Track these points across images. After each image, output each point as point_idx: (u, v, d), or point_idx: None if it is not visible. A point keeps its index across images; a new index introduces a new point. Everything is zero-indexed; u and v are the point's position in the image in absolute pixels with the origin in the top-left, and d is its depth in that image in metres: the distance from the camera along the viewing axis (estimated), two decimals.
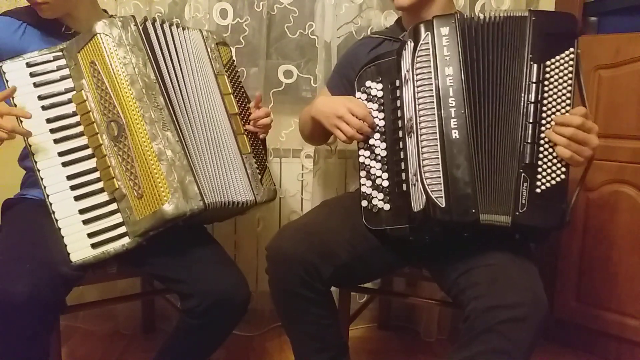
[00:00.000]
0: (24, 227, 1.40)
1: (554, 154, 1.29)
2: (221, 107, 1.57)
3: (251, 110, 1.64)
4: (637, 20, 1.95)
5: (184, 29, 1.53)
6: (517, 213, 1.28)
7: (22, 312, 1.18)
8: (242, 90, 1.66)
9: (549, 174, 1.29)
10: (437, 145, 1.29)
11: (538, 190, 1.29)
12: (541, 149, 1.29)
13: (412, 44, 1.35)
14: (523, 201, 1.28)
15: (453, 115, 1.29)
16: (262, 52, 2.10)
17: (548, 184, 1.29)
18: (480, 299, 1.22)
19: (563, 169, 1.29)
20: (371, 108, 1.47)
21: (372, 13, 2.12)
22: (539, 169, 1.29)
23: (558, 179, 1.29)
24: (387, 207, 1.42)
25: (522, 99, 1.31)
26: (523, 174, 1.29)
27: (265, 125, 1.65)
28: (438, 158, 1.28)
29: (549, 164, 1.29)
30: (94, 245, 1.32)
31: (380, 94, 1.46)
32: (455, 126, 1.28)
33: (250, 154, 1.59)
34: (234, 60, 1.70)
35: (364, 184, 1.46)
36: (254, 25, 2.09)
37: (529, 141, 1.29)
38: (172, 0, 2.10)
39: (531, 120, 1.29)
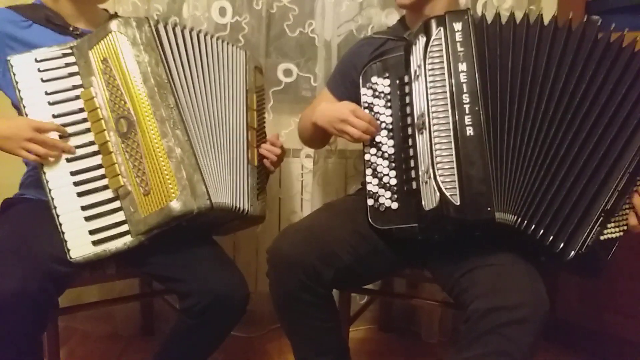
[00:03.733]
0: (19, 226, 1.39)
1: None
2: (243, 118, 1.59)
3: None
4: (638, 20, 1.95)
5: (225, 42, 1.59)
6: (580, 251, 1.27)
7: (10, 309, 1.18)
8: (264, 118, 1.72)
9: (616, 226, 1.30)
10: (450, 142, 1.26)
11: (602, 237, 1.29)
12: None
13: (424, 39, 1.33)
14: (589, 242, 1.27)
15: (467, 111, 1.27)
16: (261, 50, 2.09)
17: (611, 235, 1.29)
18: (482, 299, 1.21)
19: (625, 227, 1.31)
20: (378, 104, 1.45)
21: (372, 11, 2.12)
22: (612, 218, 1.29)
23: (618, 234, 1.30)
24: (395, 205, 1.40)
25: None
26: (602, 219, 1.28)
27: (270, 156, 1.65)
28: (452, 155, 1.26)
29: (620, 217, 1.30)
30: (95, 243, 1.31)
31: (387, 89, 1.45)
32: (470, 123, 1.26)
33: (255, 168, 1.59)
34: (264, 89, 1.75)
35: (370, 182, 1.44)
36: (253, 24, 2.07)
37: (628, 194, 1.30)
38: None
39: None
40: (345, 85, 1.71)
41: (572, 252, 1.27)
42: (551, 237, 1.28)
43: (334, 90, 1.75)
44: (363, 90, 1.47)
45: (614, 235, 1.29)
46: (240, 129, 1.57)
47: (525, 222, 1.28)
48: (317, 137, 1.74)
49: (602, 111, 1.29)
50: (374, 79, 1.46)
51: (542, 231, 1.28)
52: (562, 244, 1.28)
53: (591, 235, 1.27)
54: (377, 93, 1.46)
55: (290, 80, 2.16)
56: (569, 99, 1.29)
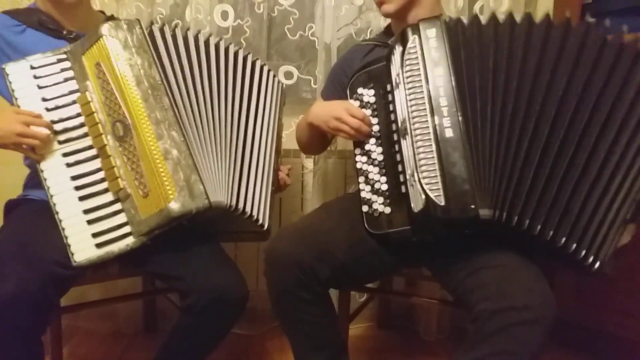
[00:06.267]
0: (21, 227, 1.40)
1: None
2: (273, 144, 1.63)
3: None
4: (636, 21, 1.96)
5: (270, 71, 1.66)
6: (605, 261, 1.28)
7: (10, 310, 1.19)
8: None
9: (627, 232, 1.31)
10: (431, 144, 1.28)
11: (619, 245, 1.30)
12: None
13: (401, 48, 1.36)
14: (611, 252, 1.29)
15: (445, 114, 1.29)
16: (262, 53, 2.12)
17: (624, 242, 1.31)
18: (490, 300, 1.22)
19: (633, 232, 1.32)
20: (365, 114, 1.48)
21: (371, 15, 2.14)
22: (628, 226, 1.31)
23: (628, 239, 1.31)
24: (387, 210, 1.42)
25: None
26: (622, 229, 1.29)
27: (283, 184, 1.73)
28: (434, 157, 1.28)
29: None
30: (98, 245, 1.32)
31: (372, 99, 1.47)
32: (449, 125, 1.28)
33: (275, 190, 1.63)
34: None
35: (363, 190, 1.46)
36: (254, 27, 2.10)
37: None
38: (174, 2, 2.11)
39: None
40: (339, 93, 1.73)
41: (598, 263, 1.28)
42: (575, 246, 1.28)
43: (328, 98, 1.77)
44: (351, 102, 1.50)
45: (625, 242, 1.30)
46: (270, 153, 1.61)
47: (504, 215, 1.28)
48: (315, 139, 1.76)
49: (609, 117, 1.29)
50: (360, 90, 1.49)
51: (540, 227, 1.28)
52: (592, 257, 1.28)
53: (612, 246, 1.28)
54: (363, 103, 1.49)
55: (291, 82, 2.18)
56: (561, 99, 1.29)
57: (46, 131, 1.33)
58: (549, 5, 2.19)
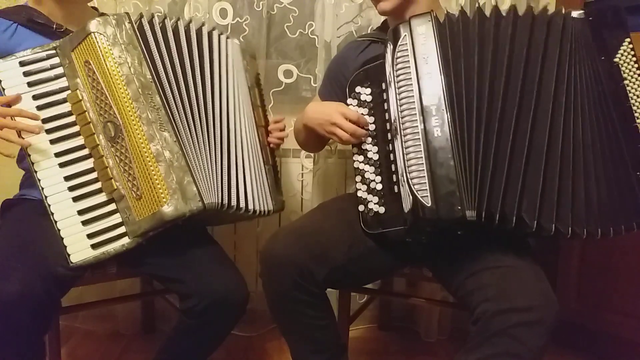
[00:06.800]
0: (21, 227, 1.39)
1: None
2: (251, 118, 1.59)
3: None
4: (638, 20, 1.94)
5: (219, 33, 1.57)
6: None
7: (13, 310, 1.18)
8: (265, 105, 1.73)
9: None
10: (420, 144, 1.28)
11: None
12: None
13: (392, 46, 1.36)
14: None
15: (434, 113, 1.28)
16: (262, 51, 2.10)
17: None
18: (491, 301, 1.22)
19: None
20: (362, 113, 1.46)
21: (372, 12, 2.12)
22: None
23: None
24: (382, 210, 1.41)
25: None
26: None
27: (280, 137, 1.73)
28: (422, 157, 1.27)
29: None
30: (94, 246, 1.31)
31: (369, 98, 1.46)
32: (437, 124, 1.27)
33: (271, 166, 1.61)
34: (259, 74, 1.74)
35: (360, 189, 1.45)
36: (253, 25, 2.09)
37: None
38: (172, 0, 2.10)
39: None
40: (335, 91, 1.73)
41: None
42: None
43: (324, 96, 1.77)
44: (349, 101, 1.48)
45: None
46: (251, 130, 1.58)
47: (498, 217, 1.27)
48: (312, 139, 1.74)
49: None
50: (358, 88, 1.47)
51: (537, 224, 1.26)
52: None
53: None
54: (360, 102, 1.47)
55: (290, 81, 2.17)
56: (545, 92, 1.28)
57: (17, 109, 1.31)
58: (550, 4, 2.17)
